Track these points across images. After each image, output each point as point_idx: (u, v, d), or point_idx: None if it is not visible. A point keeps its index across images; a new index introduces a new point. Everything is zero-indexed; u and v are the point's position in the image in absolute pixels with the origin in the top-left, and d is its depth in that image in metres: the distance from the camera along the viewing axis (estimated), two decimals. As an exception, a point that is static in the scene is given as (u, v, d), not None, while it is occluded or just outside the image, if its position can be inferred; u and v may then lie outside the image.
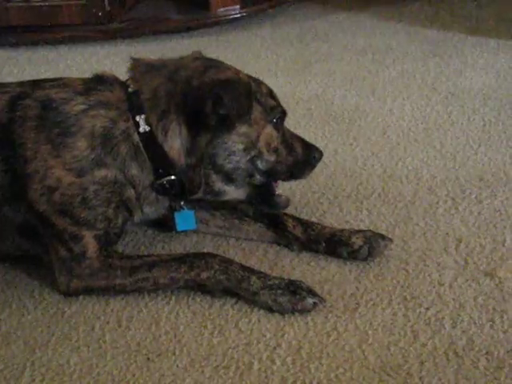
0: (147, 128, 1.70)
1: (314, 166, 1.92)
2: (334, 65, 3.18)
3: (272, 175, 1.83)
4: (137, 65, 1.81)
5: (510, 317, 1.59)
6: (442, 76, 2.99)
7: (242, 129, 1.73)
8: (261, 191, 1.85)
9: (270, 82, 1.96)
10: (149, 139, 1.71)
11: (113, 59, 3.43)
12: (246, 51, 3.37)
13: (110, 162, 1.70)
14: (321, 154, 1.91)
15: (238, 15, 3.75)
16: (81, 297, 1.72)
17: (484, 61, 3.12)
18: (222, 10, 3.72)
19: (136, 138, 1.71)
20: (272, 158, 1.80)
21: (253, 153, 1.76)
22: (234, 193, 1.82)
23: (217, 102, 1.67)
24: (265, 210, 1.91)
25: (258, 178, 1.81)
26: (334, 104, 2.75)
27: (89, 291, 1.72)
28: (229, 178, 1.77)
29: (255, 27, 3.75)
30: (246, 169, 1.77)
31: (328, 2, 4.14)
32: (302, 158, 1.88)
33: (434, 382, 1.41)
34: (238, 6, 3.74)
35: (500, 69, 3.02)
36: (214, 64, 1.81)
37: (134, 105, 1.72)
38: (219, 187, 1.78)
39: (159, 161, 1.72)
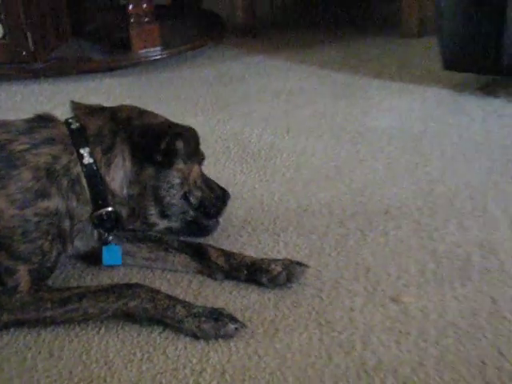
0: (91, 160, 1.74)
1: (226, 203, 2.01)
2: (250, 105, 3.22)
3: (201, 211, 1.89)
4: (77, 107, 1.85)
5: (413, 338, 1.64)
6: (350, 116, 3.04)
7: (180, 165, 1.81)
8: (192, 226, 1.92)
9: (190, 121, 2.02)
10: (91, 171, 1.74)
11: (37, 98, 3.42)
12: (166, 91, 3.39)
13: (54, 192, 1.71)
14: (229, 194, 2.03)
15: (159, 57, 3.77)
16: (12, 329, 1.71)
17: (388, 102, 3.19)
18: (143, 51, 3.74)
19: (77, 170, 1.74)
20: (199, 194, 1.87)
21: (185, 188, 1.84)
22: (167, 225, 1.88)
23: (172, 141, 1.75)
24: (196, 236, 1.97)
25: (190, 213, 1.87)
26: (251, 142, 2.79)
27: (19, 324, 1.70)
28: (165, 212, 1.83)
29: (175, 68, 3.77)
30: (180, 205, 1.84)
31: (242, 46, 4.18)
32: (219, 196, 1.96)
33: (347, 399, 1.46)
34: (158, 48, 3.76)
35: (402, 110, 3.09)
36: (144, 110, 1.89)
37: (78, 139, 1.75)
38: (154, 220, 1.83)
39: (99, 192, 1.76)
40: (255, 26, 4.45)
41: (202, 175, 1.96)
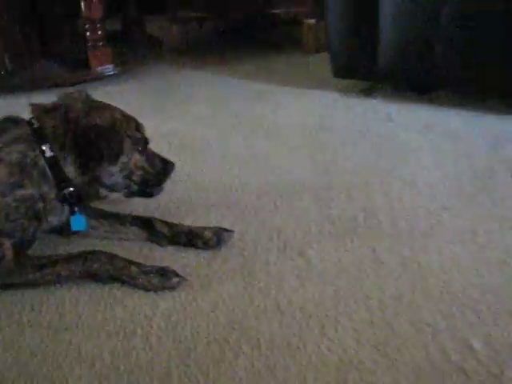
0: (51, 153, 1.70)
1: (169, 174, 1.94)
2: (185, 108, 3.21)
3: (143, 183, 1.86)
4: (36, 108, 1.79)
5: (314, 282, 1.67)
6: (263, 115, 3.05)
7: (121, 159, 1.76)
8: (139, 193, 1.91)
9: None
10: (53, 163, 1.71)
11: (15, 108, 3.32)
12: (118, 100, 3.29)
13: (27, 182, 1.68)
14: (173, 165, 1.95)
15: (112, 72, 3.73)
16: (0, 291, 1.69)
17: (292, 104, 3.22)
18: (99, 68, 3.70)
19: (42, 162, 1.70)
20: (139, 173, 1.84)
21: (126, 172, 1.80)
22: (117, 196, 1.86)
23: (100, 145, 1.70)
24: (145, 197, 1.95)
25: (133, 187, 1.85)
26: (186, 137, 2.79)
27: (7, 287, 1.68)
28: (112, 188, 1.81)
29: (125, 81, 3.73)
30: (123, 183, 1.82)
31: (177, 62, 4.17)
32: (161, 169, 1.92)
33: (267, 334, 1.48)
34: (111, 66, 3.72)
35: (303, 110, 3.12)
36: (95, 105, 1.82)
37: (39, 137, 1.71)
38: (105, 194, 1.81)
39: (61, 178, 1.72)
40: (187, 47, 4.43)
41: (148, 153, 1.89)
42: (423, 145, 2.61)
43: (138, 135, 1.85)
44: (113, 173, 1.77)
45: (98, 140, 1.70)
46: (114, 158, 1.75)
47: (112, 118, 1.78)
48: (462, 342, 1.43)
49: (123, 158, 1.78)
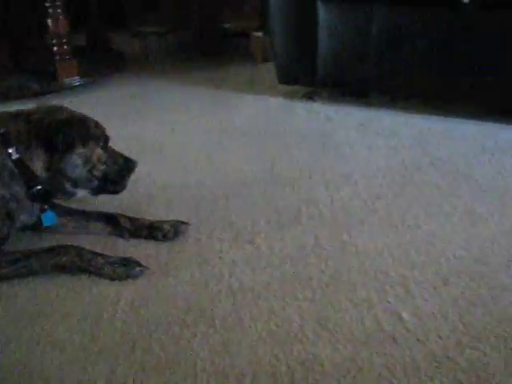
0: (18, 155, 1.67)
1: (132, 170, 1.90)
2: (145, 114, 3.17)
3: (106, 179, 1.83)
4: (1, 115, 1.76)
5: (262, 266, 1.68)
6: (215, 119, 3.04)
7: (80, 150, 1.72)
8: (102, 190, 1.86)
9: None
10: (20, 163, 1.67)
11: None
12: (84, 109, 3.23)
13: None
14: (135, 162, 1.90)
15: (78, 83, 3.66)
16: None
17: (242, 109, 3.20)
18: (66, 79, 3.62)
19: (11, 164, 1.67)
20: (102, 168, 1.81)
21: (89, 165, 1.76)
22: (82, 193, 1.82)
23: (63, 134, 1.68)
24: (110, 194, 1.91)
25: (96, 183, 1.81)
26: (146, 140, 2.75)
27: None
28: (76, 184, 1.77)
29: (90, 91, 3.65)
30: (86, 177, 1.77)
31: (139, 73, 4.12)
32: (124, 165, 1.88)
33: (221, 315, 1.49)
34: (77, 77, 3.66)
35: (252, 114, 3.12)
36: (54, 109, 1.78)
37: (5, 141, 1.68)
38: (71, 190, 1.78)
39: (29, 177, 1.69)
40: (148, 59, 4.40)
41: (111, 152, 1.86)
42: (359, 142, 2.65)
43: (98, 132, 1.81)
44: (76, 164, 1.74)
45: (60, 130, 1.68)
46: (81, 143, 1.72)
47: (72, 115, 1.76)
48: (394, 314, 1.46)
49: (86, 151, 1.74)
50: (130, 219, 1.88)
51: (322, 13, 2.96)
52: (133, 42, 4.87)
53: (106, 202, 2.05)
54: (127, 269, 1.64)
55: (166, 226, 1.84)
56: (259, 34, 4.27)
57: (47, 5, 3.47)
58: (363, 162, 2.42)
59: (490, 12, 2.63)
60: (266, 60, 4.16)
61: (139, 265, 1.66)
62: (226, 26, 4.64)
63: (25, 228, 1.86)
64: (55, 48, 3.59)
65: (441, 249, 1.75)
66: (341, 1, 2.94)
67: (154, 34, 4.88)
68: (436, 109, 3.02)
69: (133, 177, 1.92)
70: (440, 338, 1.38)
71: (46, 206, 1.79)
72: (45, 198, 1.76)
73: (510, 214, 1.96)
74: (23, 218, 1.76)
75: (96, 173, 1.80)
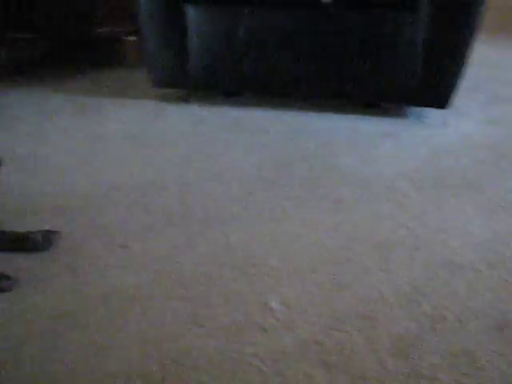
0: None
1: None
2: (14, 125, 3.02)
3: None
4: None
5: (134, 270, 1.67)
6: (89, 125, 2.98)
7: None
8: None
9: None
10: None
11: None
12: None
13: None
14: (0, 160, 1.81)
15: None
16: None
17: (116, 114, 3.16)
18: None
19: None
20: None
21: None
22: None
23: None
24: None
25: None
26: (15, 151, 2.62)
27: None
28: None
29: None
30: None
31: (4, 84, 3.95)
32: None
33: (94, 318, 1.49)
34: None
35: (127, 118, 3.08)
36: None
37: None
38: None
39: None
40: (16, 69, 4.24)
41: None
42: (233, 141, 2.71)
43: None
44: None
45: None
46: None
47: None
48: (264, 305, 1.52)
49: None
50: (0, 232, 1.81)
51: (192, 16, 2.99)
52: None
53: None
54: (-4, 282, 1.59)
55: (36, 237, 1.80)
56: (133, 38, 4.23)
57: None
58: (236, 160, 2.48)
59: (351, 12, 2.77)
60: (141, 65, 4.13)
61: (9, 278, 1.62)
62: (100, 30, 4.55)
63: None
64: None
65: (309, 238, 1.84)
66: (209, 4, 2.99)
67: (24, 42, 4.70)
68: (307, 105, 3.15)
69: (1, 188, 1.85)
70: (308, 323, 1.46)
71: None
72: None
73: (372, 200, 2.09)
74: None
75: None
